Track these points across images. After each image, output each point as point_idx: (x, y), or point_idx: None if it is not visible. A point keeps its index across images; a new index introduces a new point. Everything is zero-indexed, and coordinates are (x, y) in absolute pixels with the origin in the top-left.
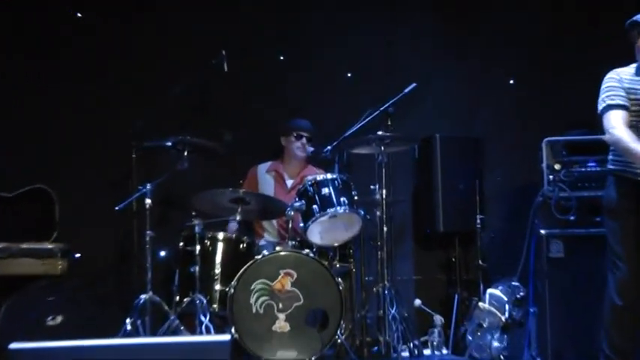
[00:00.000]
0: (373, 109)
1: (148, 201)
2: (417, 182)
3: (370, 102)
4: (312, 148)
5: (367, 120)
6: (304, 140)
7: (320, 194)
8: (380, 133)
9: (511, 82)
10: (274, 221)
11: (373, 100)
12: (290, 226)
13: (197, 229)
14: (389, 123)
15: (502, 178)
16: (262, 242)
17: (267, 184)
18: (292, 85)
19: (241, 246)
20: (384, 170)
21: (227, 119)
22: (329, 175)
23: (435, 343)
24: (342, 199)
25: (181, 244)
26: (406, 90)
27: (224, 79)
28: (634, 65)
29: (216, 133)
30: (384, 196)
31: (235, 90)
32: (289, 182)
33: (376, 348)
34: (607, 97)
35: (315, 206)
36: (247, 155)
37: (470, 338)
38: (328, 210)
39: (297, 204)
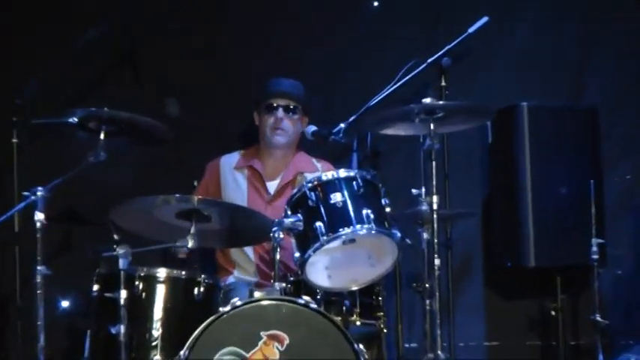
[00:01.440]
0: (417, 62)
1: (40, 216)
2: (490, 184)
3: (411, 51)
4: (313, 127)
5: (406, 80)
6: (280, 113)
7: (327, 204)
8: (428, 100)
9: None
10: (250, 250)
11: (415, 49)
12: (277, 257)
13: (122, 263)
14: (443, 84)
15: (633, 176)
16: (230, 282)
17: (236, 188)
18: (282, 23)
19: (196, 291)
20: (434, 163)
21: (172, 85)
22: (342, 173)
23: None
24: (364, 211)
25: (96, 287)
26: (473, 27)
27: (164, 20)
28: None
29: (154, 103)
30: (435, 207)
31: (187, 37)
32: (272, 185)
33: None
34: None
35: (318, 224)
36: (208, 143)
37: None
38: (341, 231)
39: (288, 220)
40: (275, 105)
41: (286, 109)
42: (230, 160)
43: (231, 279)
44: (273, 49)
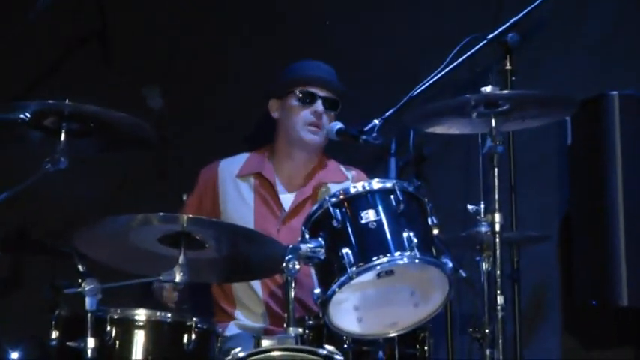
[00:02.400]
0: (475, 38)
1: None
2: (569, 198)
3: (467, 24)
4: (339, 125)
5: (460, 62)
6: (321, 106)
7: (357, 225)
8: (489, 89)
9: None
10: (257, 284)
11: (473, 21)
12: (291, 294)
13: (89, 302)
14: (508, 68)
15: None
16: (232, 329)
17: (239, 202)
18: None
19: (185, 339)
20: (496, 171)
21: (154, 69)
22: (376, 184)
23: None
24: (404, 234)
25: (55, 334)
26: None
27: None
28: None
29: (131, 93)
30: (498, 229)
31: (174, 6)
32: (287, 198)
33: None
34: None
35: (346, 252)
36: (202, 145)
37: None
38: (375, 260)
39: (306, 246)
40: (315, 94)
41: (327, 103)
42: (232, 166)
43: (232, 327)
44: (284, 23)
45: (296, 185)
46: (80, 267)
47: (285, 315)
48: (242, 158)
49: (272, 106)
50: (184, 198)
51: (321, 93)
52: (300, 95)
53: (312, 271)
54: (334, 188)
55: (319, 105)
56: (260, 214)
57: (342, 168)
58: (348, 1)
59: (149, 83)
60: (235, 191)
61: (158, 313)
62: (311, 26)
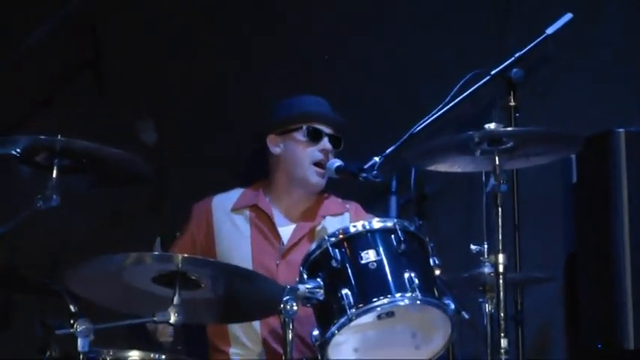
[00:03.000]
0: (478, 73)
1: None
2: (574, 238)
3: (470, 59)
4: (338, 162)
5: (463, 98)
6: (328, 144)
7: (357, 266)
8: (492, 125)
9: None
10: (257, 322)
11: (476, 56)
12: (289, 337)
13: (81, 343)
14: (512, 104)
15: None
16: None
17: (236, 234)
18: (294, 24)
19: None
20: (500, 210)
21: (148, 103)
22: (376, 224)
23: None
24: (405, 275)
25: None
26: (553, 27)
27: (136, 14)
28: None
29: (124, 128)
30: (501, 270)
31: (169, 39)
32: (285, 231)
33: None
34: None
35: (345, 292)
36: (197, 181)
37: None
38: (375, 301)
39: (304, 287)
40: (323, 132)
41: (334, 141)
42: (226, 201)
43: None
44: (283, 59)
45: (295, 218)
46: (72, 307)
47: (285, 354)
48: (236, 193)
49: (272, 141)
50: (178, 234)
51: (328, 130)
52: (308, 132)
53: (309, 311)
54: (333, 220)
55: (327, 143)
56: (257, 246)
57: (341, 202)
58: (349, 36)
59: (143, 117)
60: (231, 225)
61: (152, 355)
62: (311, 62)
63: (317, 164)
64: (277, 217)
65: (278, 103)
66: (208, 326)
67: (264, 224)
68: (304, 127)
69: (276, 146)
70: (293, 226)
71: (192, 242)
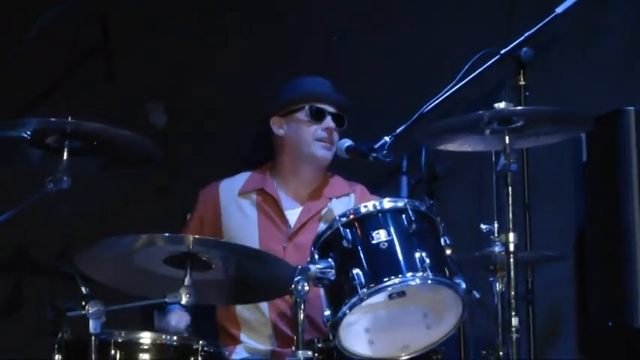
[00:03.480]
0: (487, 53)
1: None
2: (585, 217)
3: (479, 38)
4: (348, 142)
5: (473, 77)
6: (331, 122)
7: (368, 246)
8: (502, 105)
9: None
10: (265, 304)
11: (486, 35)
12: (300, 317)
13: (93, 325)
14: (522, 83)
15: None
16: (239, 353)
17: (243, 220)
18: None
19: None
20: (510, 190)
21: (157, 86)
22: (387, 204)
23: None
24: (417, 255)
25: (58, 358)
26: (562, 6)
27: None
28: None
29: (134, 110)
30: (512, 249)
31: (176, 24)
32: (292, 214)
33: None
34: None
35: (356, 272)
36: (207, 164)
37: None
38: (386, 281)
39: (315, 267)
40: (326, 110)
41: (337, 119)
42: (232, 185)
43: (239, 351)
44: (291, 40)
45: (301, 201)
46: (83, 289)
47: (295, 337)
48: (243, 177)
49: (275, 123)
50: (188, 217)
51: (330, 109)
52: (311, 111)
53: (321, 292)
54: (339, 202)
55: (330, 121)
56: (265, 230)
57: (347, 183)
58: (359, 17)
59: (152, 100)
60: (238, 209)
61: (164, 337)
62: (322, 42)
63: (322, 140)
64: (284, 200)
65: (281, 85)
66: (218, 311)
67: (270, 208)
68: (306, 107)
69: (280, 128)
70: (299, 209)
71: (201, 227)
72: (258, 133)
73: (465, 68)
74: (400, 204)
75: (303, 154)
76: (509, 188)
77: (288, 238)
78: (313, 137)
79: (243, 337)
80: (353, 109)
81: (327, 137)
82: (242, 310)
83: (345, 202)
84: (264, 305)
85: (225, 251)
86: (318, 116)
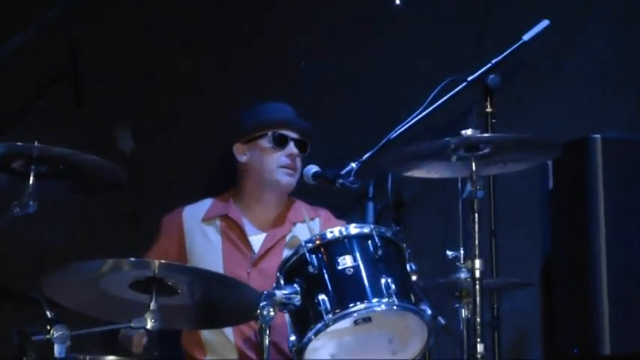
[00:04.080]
0: (454, 79)
1: None
2: (551, 244)
3: (447, 65)
4: (315, 168)
5: (440, 104)
6: (294, 148)
7: (334, 271)
8: (469, 132)
9: None
10: (229, 330)
11: (453, 62)
12: (266, 342)
13: (58, 350)
14: (489, 110)
15: None
16: None
17: (207, 246)
18: (268, 24)
19: None
20: (477, 216)
21: (124, 109)
22: (353, 229)
23: None
24: (382, 280)
25: None
26: (530, 33)
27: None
28: None
29: (101, 135)
30: (478, 275)
31: (144, 45)
32: (256, 240)
33: None
34: None
35: (322, 298)
36: (176, 187)
37: None
38: (352, 307)
39: (281, 293)
40: (288, 137)
41: (299, 145)
42: (197, 211)
43: None
44: (254, 61)
45: (265, 226)
46: (48, 313)
47: None
48: (206, 203)
49: (238, 150)
50: (154, 242)
51: (293, 135)
52: (274, 138)
53: (285, 318)
54: (303, 227)
55: (293, 147)
56: (229, 256)
57: (310, 208)
58: (325, 41)
59: (120, 125)
60: (202, 235)
61: None
62: (287, 66)
63: (286, 167)
64: (247, 226)
65: (243, 112)
66: (183, 336)
67: (234, 234)
68: (269, 134)
69: (242, 154)
70: (263, 235)
71: (165, 254)
72: (220, 159)
73: (433, 94)
74: (366, 230)
75: (266, 180)
76: (476, 215)
77: (252, 264)
78: (277, 164)
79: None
80: (320, 135)
81: (290, 164)
82: (207, 336)
83: (309, 225)
84: (228, 330)
85: (190, 276)
86: (281, 143)
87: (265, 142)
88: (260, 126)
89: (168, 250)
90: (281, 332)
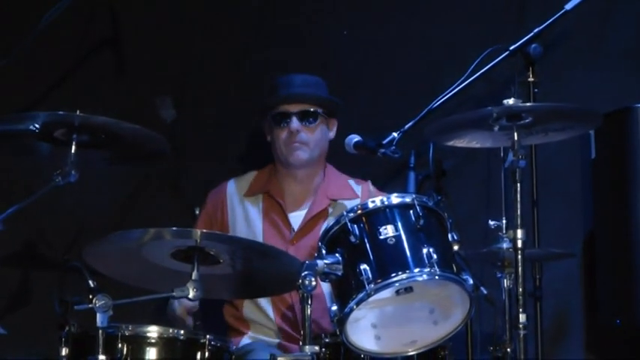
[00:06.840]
0: (496, 49)
1: None
2: (594, 214)
3: (488, 35)
4: (356, 137)
5: (481, 73)
6: (295, 123)
7: (375, 241)
8: (511, 101)
9: None
10: (268, 306)
11: (494, 32)
12: (307, 312)
13: (100, 319)
14: (531, 80)
15: None
16: (245, 345)
17: (247, 226)
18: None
19: (199, 356)
20: (519, 186)
21: (167, 80)
22: (395, 199)
23: None
24: (424, 250)
25: (64, 352)
26: (571, 3)
27: None
28: None
29: (143, 104)
30: (520, 245)
31: (187, 16)
32: (296, 217)
33: None
34: None
35: (364, 268)
36: (215, 158)
37: None
38: (394, 277)
39: (323, 262)
40: (287, 113)
41: (302, 116)
42: (240, 186)
43: (245, 340)
44: (301, 36)
45: (303, 202)
46: (90, 283)
47: (301, 332)
48: (249, 177)
49: (265, 130)
50: (197, 211)
51: (293, 109)
52: (275, 117)
53: (323, 290)
54: (342, 206)
55: (293, 123)
56: (268, 234)
57: (351, 182)
58: (369, 14)
59: (162, 94)
60: (243, 213)
61: (171, 330)
62: (330, 38)
63: (289, 144)
64: (288, 202)
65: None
66: (225, 311)
67: (275, 213)
68: (270, 115)
69: (268, 134)
70: (303, 213)
71: (209, 226)
72: (261, 130)
73: (474, 64)
74: (408, 199)
75: (282, 160)
76: (518, 185)
77: (289, 243)
78: (283, 143)
79: (250, 332)
80: (362, 105)
81: (292, 139)
82: (248, 312)
83: (349, 205)
84: (268, 308)
85: (232, 246)
86: (280, 121)
87: (272, 123)
88: (264, 109)
89: (212, 224)
90: (319, 308)
